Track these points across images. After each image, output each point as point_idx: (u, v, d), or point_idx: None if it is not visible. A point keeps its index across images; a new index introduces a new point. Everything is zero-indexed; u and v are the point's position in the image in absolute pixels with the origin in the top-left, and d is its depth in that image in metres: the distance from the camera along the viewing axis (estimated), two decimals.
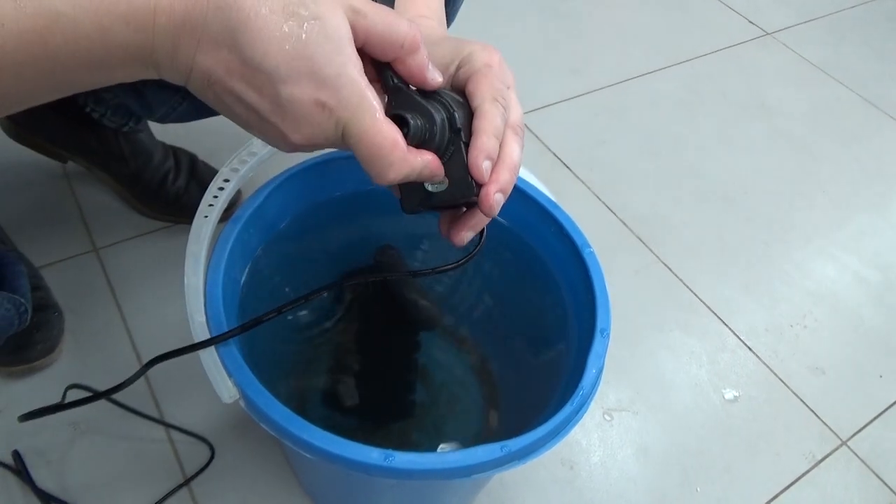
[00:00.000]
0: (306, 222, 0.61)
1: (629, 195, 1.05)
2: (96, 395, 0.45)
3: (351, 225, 0.65)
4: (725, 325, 0.91)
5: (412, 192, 0.40)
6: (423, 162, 0.36)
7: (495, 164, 0.38)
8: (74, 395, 0.67)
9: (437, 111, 0.37)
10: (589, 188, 1.05)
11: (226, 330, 0.47)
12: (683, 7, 1.46)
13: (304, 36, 0.32)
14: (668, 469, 0.76)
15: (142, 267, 0.82)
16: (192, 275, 0.49)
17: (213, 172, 0.70)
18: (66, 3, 0.30)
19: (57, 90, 0.33)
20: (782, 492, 0.76)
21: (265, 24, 0.31)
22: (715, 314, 0.92)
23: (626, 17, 1.40)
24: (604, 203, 1.03)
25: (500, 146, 0.39)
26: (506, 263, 0.64)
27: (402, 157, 0.35)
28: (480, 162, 0.37)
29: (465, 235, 0.41)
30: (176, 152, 0.88)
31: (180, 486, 0.66)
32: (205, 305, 0.48)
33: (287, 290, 0.64)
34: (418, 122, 0.37)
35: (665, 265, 0.96)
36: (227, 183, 0.54)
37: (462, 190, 0.38)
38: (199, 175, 0.87)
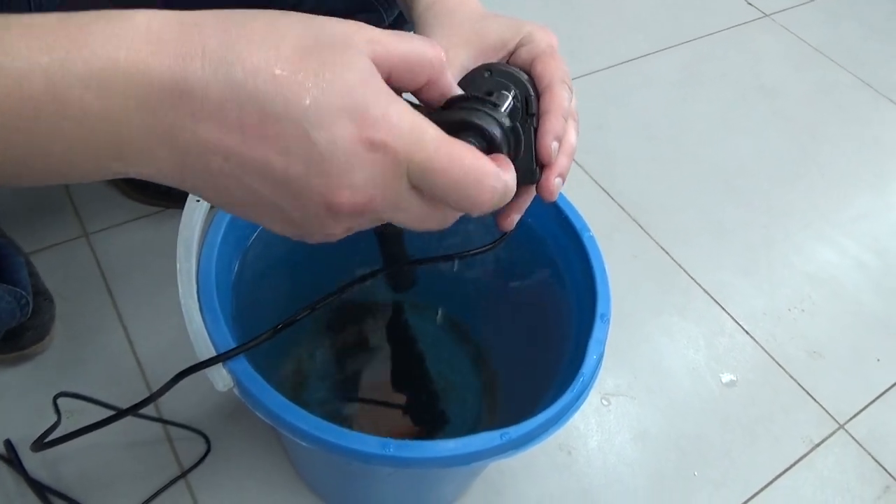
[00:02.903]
0: None
1: (627, 179, 1.04)
2: (120, 414, 0.42)
3: None
4: (723, 309, 0.91)
5: None
6: (513, 173, 0.30)
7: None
8: (73, 406, 0.66)
9: (490, 110, 0.32)
10: (587, 172, 1.04)
11: (220, 316, 0.46)
12: None
13: (327, 74, 0.25)
14: (665, 453, 0.76)
15: (133, 252, 0.81)
16: (185, 260, 0.48)
17: None
18: (15, 59, 0.23)
19: None
20: (780, 475, 0.76)
21: (281, 71, 0.25)
22: (713, 298, 0.92)
23: None
24: (601, 187, 1.02)
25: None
26: (504, 248, 0.63)
27: (495, 175, 0.28)
28: (549, 142, 0.36)
29: (514, 218, 0.39)
30: None
31: (178, 478, 0.65)
32: (197, 291, 0.47)
33: (280, 275, 0.63)
34: (494, 130, 0.31)
35: (663, 249, 0.96)
36: None
37: (525, 176, 0.36)
38: None
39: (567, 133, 0.37)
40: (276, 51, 0.25)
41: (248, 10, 0.27)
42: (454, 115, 0.31)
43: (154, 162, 0.26)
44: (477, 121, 0.31)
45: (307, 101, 0.25)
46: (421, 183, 0.27)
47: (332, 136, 0.25)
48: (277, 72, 0.25)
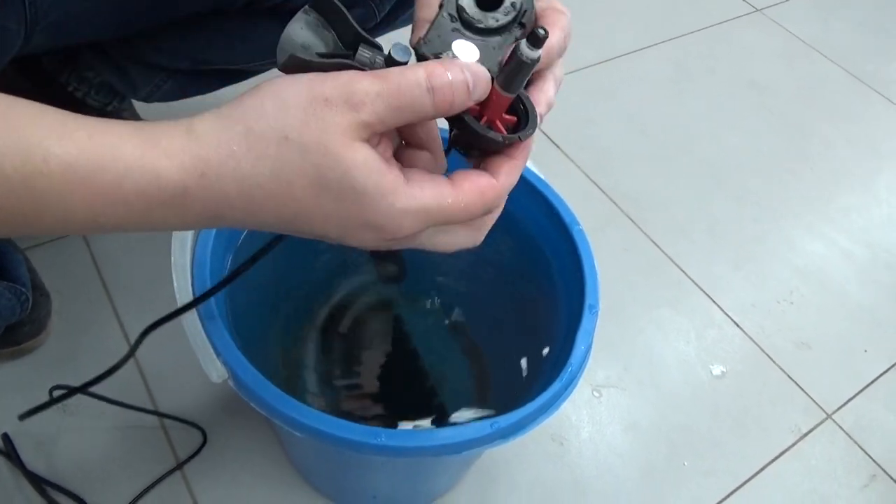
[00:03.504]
0: None
1: (618, 173, 1.04)
2: (88, 384, 0.45)
3: None
4: (713, 301, 0.92)
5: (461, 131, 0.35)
6: (524, 157, 0.35)
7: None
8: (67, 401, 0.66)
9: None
10: (578, 166, 1.04)
11: (214, 312, 0.46)
12: None
13: (339, 205, 0.30)
14: (655, 444, 0.77)
15: (128, 247, 0.81)
16: (179, 255, 0.49)
17: None
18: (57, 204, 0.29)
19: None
20: (768, 465, 0.78)
21: (299, 215, 0.31)
22: (703, 291, 0.93)
23: None
24: (593, 181, 1.03)
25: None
26: (495, 241, 0.64)
27: (496, 196, 0.34)
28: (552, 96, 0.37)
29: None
30: None
31: (173, 470, 0.66)
32: (192, 286, 0.48)
33: (273, 267, 0.64)
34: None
35: (654, 242, 0.97)
36: None
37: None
38: None
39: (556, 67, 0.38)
40: (290, 197, 0.30)
41: (263, 170, 0.30)
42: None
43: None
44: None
45: (329, 228, 0.31)
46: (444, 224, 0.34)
47: (360, 241, 0.32)
48: (297, 213, 0.31)
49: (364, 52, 0.32)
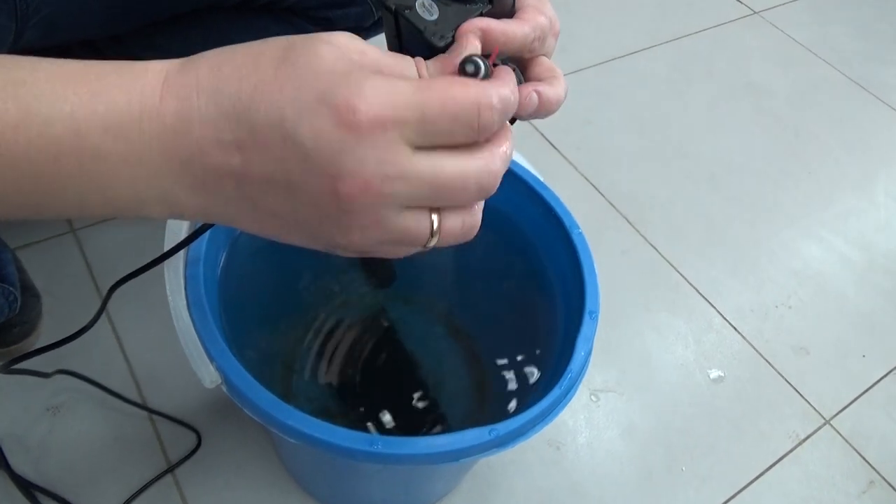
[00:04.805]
0: None
1: (616, 175, 1.04)
2: (54, 345, 0.46)
3: None
4: (711, 305, 0.91)
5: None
6: (511, 83, 0.29)
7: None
8: (58, 402, 0.66)
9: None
10: (576, 168, 1.04)
11: (207, 312, 0.46)
12: None
13: (298, 72, 0.26)
14: (653, 449, 0.76)
15: (120, 248, 0.80)
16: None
17: None
18: (42, 101, 0.26)
19: (13, 206, 0.28)
20: (766, 470, 0.77)
21: (258, 83, 0.26)
22: (701, 295, 0.92)
23: None
24: (590, 183, 1.02)
25: None
26: (492, 245, 0.63)
27: (488, 94, 0.27)
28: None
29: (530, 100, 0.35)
30: None
31: (164, 473, 0.65)
32: (185, 286, 0.47)
33: (266, 266, 0.63)
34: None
35: (652, 245, 0.96)
36: None
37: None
38: None
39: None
40: (254, 67, 0.26)
41: (243, 44, 0.28)
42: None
43: (175, 201, 0.28)
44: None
45: (284, 104, 0.26)
46: (423, 138, 0.27)
47: (314, 131, 0.25)
48: (257, 85, 0.26)
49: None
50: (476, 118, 0.27)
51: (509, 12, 0.36)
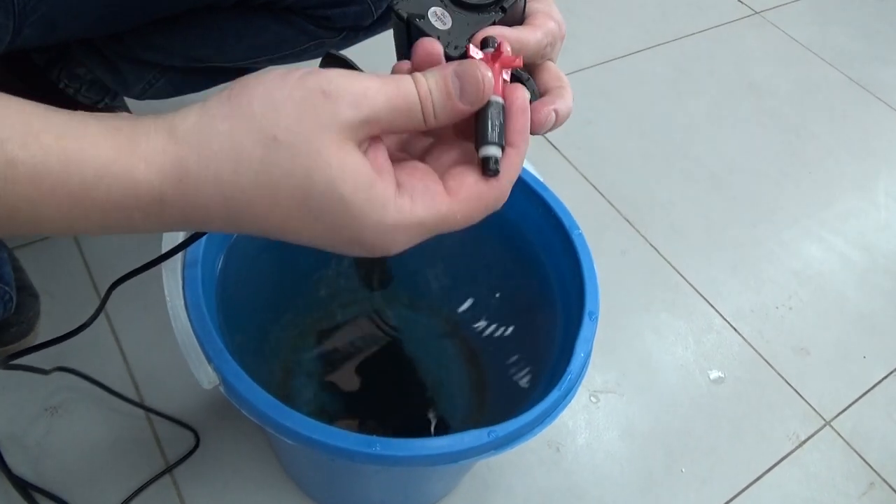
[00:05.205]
0: None
1: (616, 175, 1.04)
2: (54, 340, 0.46)
3: None
4: (711, 306, 0.91)
5: None
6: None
7: None
8: (56, 401, 0.65)
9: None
10: (576, 168, 1.03)
11: (205, 313, 0.45)
12: None
13: (319, 202, 0.28)
14: (653, 450, 0.76)
15: (119, 247, 0.80)
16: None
17: None
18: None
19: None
20: (766, 472, 0.77)
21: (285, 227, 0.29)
22: (701, 295, 0.92)
23: None
24: (591, 183, 1.02)
25: None
26: (492, 245, 0.63)
27: (497, 196, 0.32)
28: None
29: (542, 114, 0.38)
30: None
31: (163, 473, 0.65)
32: (182, 286, 0.47)
33: (264, 266, 0.63)
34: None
35: (652, 246, 0.96)
36: None
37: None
38: None
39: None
40: (275, 208, 0.28)
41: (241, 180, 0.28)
42: None
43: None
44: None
45: (322, 244, 0.30)
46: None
47: (356, 254, 0.30)
48: (283, 227, 0.29)
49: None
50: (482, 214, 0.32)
51: (520, 19, 0.36)
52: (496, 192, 0.32)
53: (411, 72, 0.31)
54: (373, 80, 0.29)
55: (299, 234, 0.29)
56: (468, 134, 0.32)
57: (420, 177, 0.31)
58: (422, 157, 0.33)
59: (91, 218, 0.28)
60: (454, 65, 0.30)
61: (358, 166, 0.28)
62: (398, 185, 0.30)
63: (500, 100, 0.31)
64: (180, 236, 0.48)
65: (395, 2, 0.33)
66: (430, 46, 0.31)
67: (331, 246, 0.30)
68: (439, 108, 0.30)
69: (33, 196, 0.26)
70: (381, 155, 0.30)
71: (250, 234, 0.30)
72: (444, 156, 0.33)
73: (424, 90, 0.29)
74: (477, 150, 0.31)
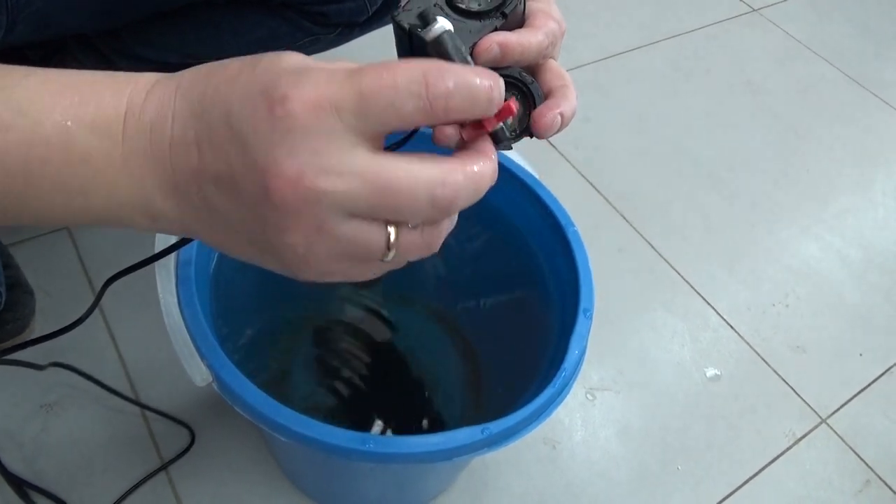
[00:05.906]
0: None
1: (613, 173, 1.03)
2: (47, 336, 0.45)
3: None
4: (708, 303, 0.91)
5: None
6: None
7: None
8: (51, 399, 0.65)
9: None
10: (573, 165, 1.03)
11: (198, 310, 0.45)
12: None
13: (254, 69, 0.26)
14: (649, 447, 0.76)
15: (114, 244, 0.80)
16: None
17: None
18: (33, 104, 0.26)
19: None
20: (762, 469, 0.77)
21: (220, 84, 0.26)
22: (698, 293, 0.92)
23: None
24: (588, 181, 1.02)
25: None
26: (487, 242, 0.63)
27: (454, 83, 0.24)
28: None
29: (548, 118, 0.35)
30: None
31: (158, 470, 0.64)
32: (176, 284, 0.46)
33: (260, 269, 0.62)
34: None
35: (649, 243, 0.96)
36: None
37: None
38: None
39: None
40: (224, 70, 0.27)
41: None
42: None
43: (154, 207, 0.28)
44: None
45: (234, 99, 0.25)
46: (365, 124, 0.24)
47: (251, 123, 0.24)
48: (218, 85, 0.26)
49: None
50: (423, 91, 0.24)
51: (520, 20, 0.36)
52: (417, 68, 0.24)
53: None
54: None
55: (214, 101, 0.26)
56: None
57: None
58: None
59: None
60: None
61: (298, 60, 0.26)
62: None
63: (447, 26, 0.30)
64: (173, 240, 0.48)
65: (396, 12, 0.33)
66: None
67: (244, 98, 0.25)
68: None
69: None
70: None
71: (195, 96, 0.26)
72: None
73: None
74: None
